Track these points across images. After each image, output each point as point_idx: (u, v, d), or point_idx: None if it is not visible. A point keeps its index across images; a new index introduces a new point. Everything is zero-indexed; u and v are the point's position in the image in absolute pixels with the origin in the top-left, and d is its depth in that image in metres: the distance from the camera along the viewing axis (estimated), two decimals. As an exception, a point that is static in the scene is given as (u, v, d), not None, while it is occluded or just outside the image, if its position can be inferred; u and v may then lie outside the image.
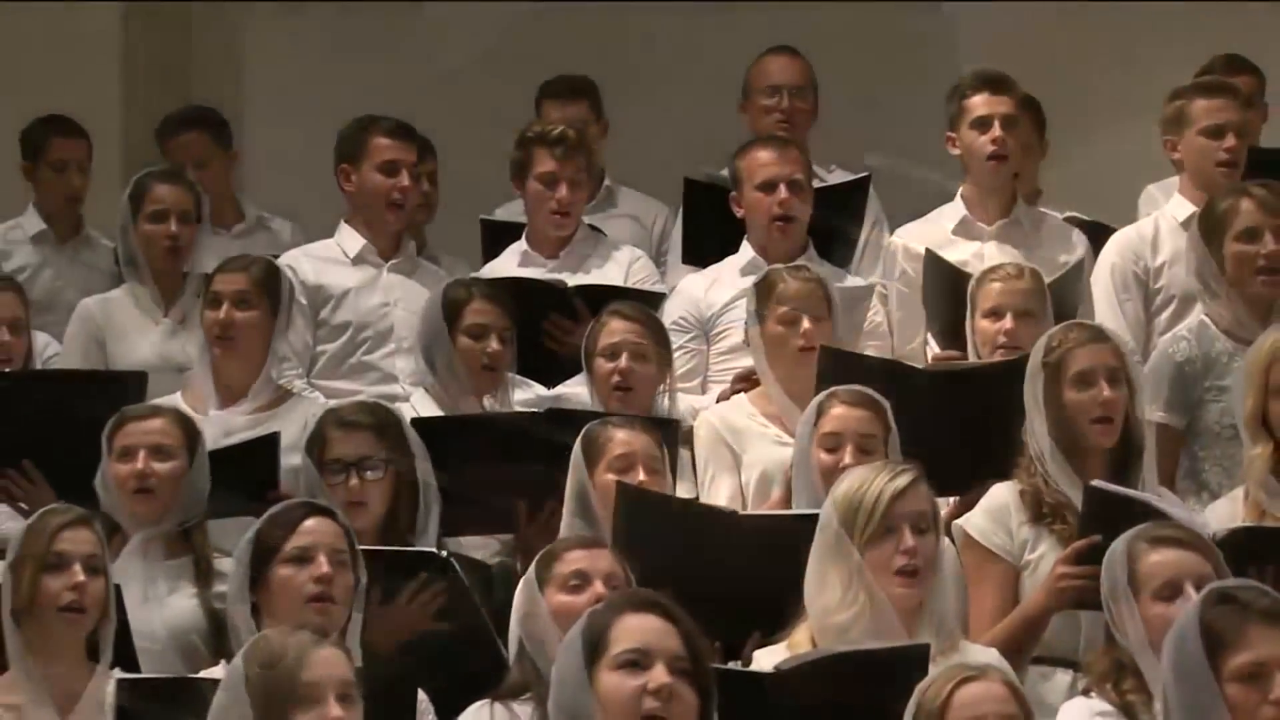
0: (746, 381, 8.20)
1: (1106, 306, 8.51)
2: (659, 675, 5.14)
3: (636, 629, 5.21)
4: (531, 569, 6.24)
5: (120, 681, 6.06)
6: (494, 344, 8.06)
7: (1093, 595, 6.49)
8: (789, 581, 6.18)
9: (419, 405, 8.00)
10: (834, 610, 6.13)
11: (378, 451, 7.13)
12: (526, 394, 8.25)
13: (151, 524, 7.08)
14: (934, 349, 8.48)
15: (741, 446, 7.76)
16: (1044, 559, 6.78)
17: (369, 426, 7.20)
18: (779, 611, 6.24)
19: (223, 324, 8.09)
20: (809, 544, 6.35)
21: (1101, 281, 8.59)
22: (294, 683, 5.29)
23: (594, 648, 5.19)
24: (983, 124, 8.76)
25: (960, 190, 8.93)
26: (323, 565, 6.28)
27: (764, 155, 8.70)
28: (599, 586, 6.12)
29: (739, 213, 8.75)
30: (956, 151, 8.88)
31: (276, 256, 8.80)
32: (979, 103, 8.79)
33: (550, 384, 8.34)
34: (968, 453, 7.13)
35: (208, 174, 9.73)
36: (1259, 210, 7.87)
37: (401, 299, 8.84)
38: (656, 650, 5.18)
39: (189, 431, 7.31)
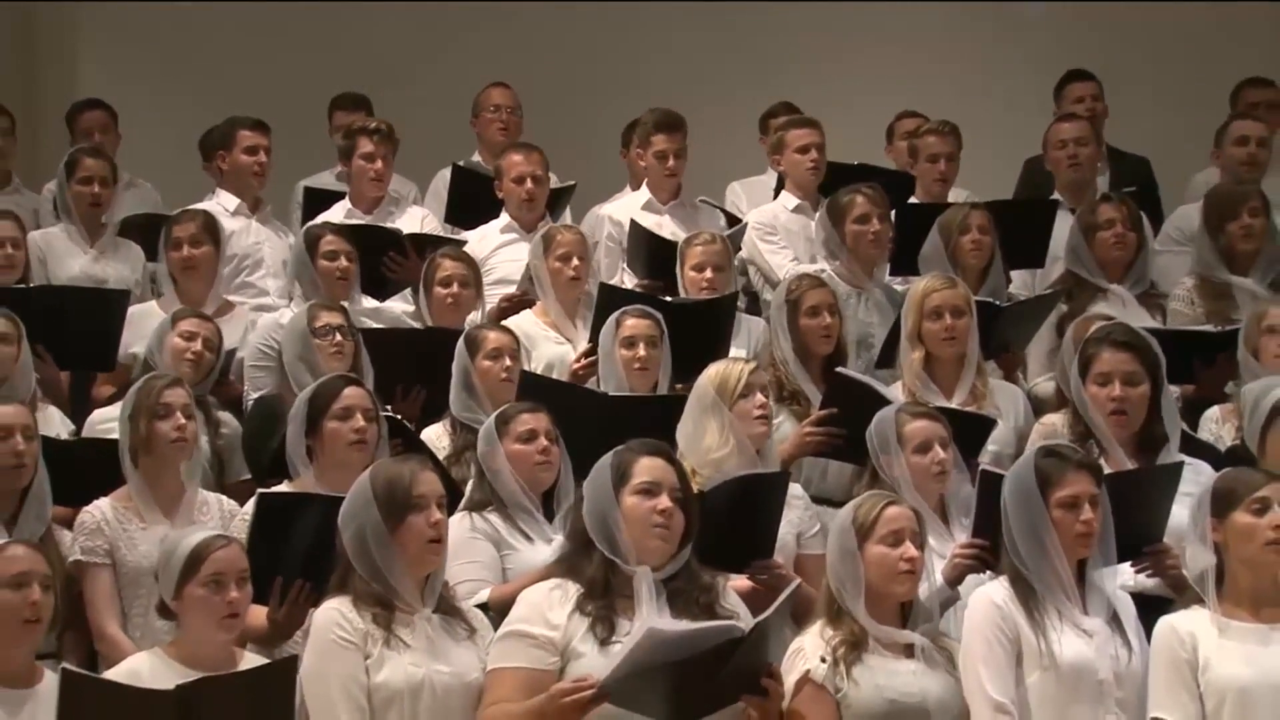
0: (509, 301, 8.39)
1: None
2: (664, 501, 5.38)
3: (650, 466, 5.43)
4: (491, 423, 6.38)
5: (261, 494, 6.09)
6: (344, 262, 8.10)
7: (826, 448, 6.93)
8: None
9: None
10: (714, 450, 6.38)
11: (345, 323, 7.34)
12: (367, 304, 8.28)
13: (184, 389, 7.07)
14: (634, 279, 8.70)
15: (531, 345, 7.92)
16: (784, 425, 7.04)
17: (339, 310, 7.43)
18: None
19: (184, 258, 8.14)
20: (649, 416, 6.64)
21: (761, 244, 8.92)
22: (409, 493, 5.45)
23: (620, 477, 5.41)
24: (662, 157, 9.13)
25: (645, 181, 9.26)
26: (359, 420, 6.40)
27: (516, 158, 8.98)
28: (543, 440, 6.32)
29: (500, 195, 8.96)
30: (644, 164, 9.25)
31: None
32: (659, 141, 9.12)
33: (381, 299, 8.46)
34: (691, 354, 7.29)
35: (108, 139, 9.77)
36: (868, 203, 8.22)
37: (265, 240, 8.99)
38: (664, 483, 5.41)
39: (221, 338, 7.50)
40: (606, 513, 5.40)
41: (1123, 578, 6.03)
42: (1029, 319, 7.96)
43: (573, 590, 5.37)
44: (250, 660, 5.50)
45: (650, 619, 5.19)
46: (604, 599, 5.35)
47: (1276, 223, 8.46)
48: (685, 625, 5.19)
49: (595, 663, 5.25)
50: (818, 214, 8.55)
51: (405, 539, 5.46)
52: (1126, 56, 10.96)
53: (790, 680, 5.39)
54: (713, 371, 6.58)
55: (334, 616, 5.42)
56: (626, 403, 6.94)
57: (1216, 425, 7.18)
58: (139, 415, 6.48)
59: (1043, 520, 5.54)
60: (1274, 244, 8.35)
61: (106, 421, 7.30)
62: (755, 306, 8.62)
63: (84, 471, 6.63)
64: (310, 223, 8.59)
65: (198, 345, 7.33)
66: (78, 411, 7.72)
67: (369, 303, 8.36)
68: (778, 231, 8.94)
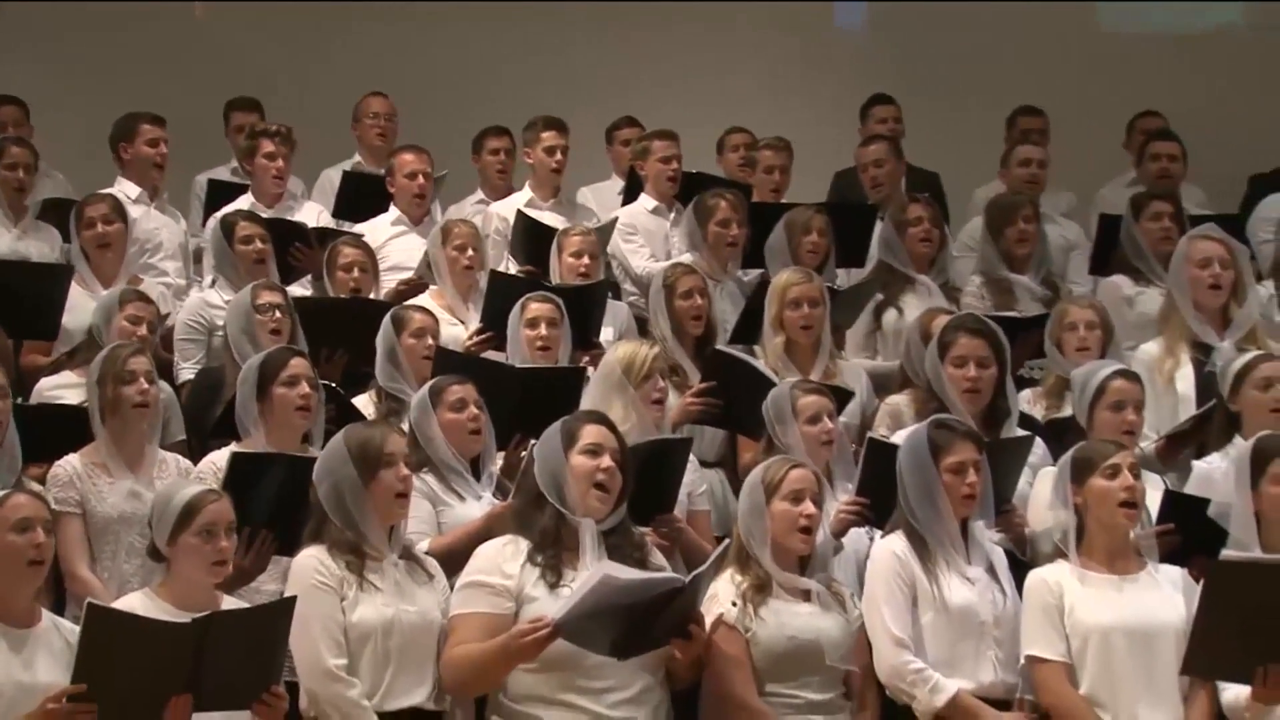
0: (407, 284, 8.29)
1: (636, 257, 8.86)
2: (606, 461, 5.46)
3: (595, 431, 5.51)
4: (425, 393, 6.30)
5: (234, 454, 6.02)
6: (258, 244, 7.97)
7: (708, 417, 6.96)
8: (546, 405, 6.17)
9: (218, 294, 7.88)
10: (618, 424, 6.13)
11: (284, 302, 7.23)
12: (275, 287, 8.10)
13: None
14: (515, 265, 8.54)
15: (427, 326, 7.65)
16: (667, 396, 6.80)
17: (278, 289, 7.33)
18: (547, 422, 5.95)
19: (99, 235, 7.97)
20: (553, 386, 6.68)
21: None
22: (380, 451, 5.51)
23: (568, 440, 5.48)
24: (550, 151, 9.15)
25: (528, 182, 9.30)
26: (304, 387, 6.34)
27: (409, 157, 8.96)
28: (473, 409, 6.29)
29: (392, 190, 8.93)
30: (530, 161, 9.26)
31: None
32: (549, 137, 9.15)
33: (286, 283, 8.10)
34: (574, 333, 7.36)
35: (22, 132, 9.45)
36: (730, 209, 8.34)
37: (164, 226, 8.85)
38: (606, 445, 5.49)
39: (159, 318, 7.41)
40: (556, 470, 5.47)
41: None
42: (853, 304, 8.10)
43: (523, 545, 5.45)
44: (229, 603, 5.43)
45: (603, 564, 5.24)
46: (552, 549, 5.41)
47: (1047, 230, 8.75)
48: (635, 573, 5.24)
49: (546, 605, 5.32)
50: (686, 210, 8.61)
51: (376, 491, 5.50)
52: (920, 83, 11.19)
53: (706, 622, 5.46)
54: (621, 353, 6.56)
55: (312, 563, 5.44)
56: (532, 374, 6.96)
57: (1029, 406, 7.33)
58: (106, 380, 6.36)
59: (935, 483, 5.68)
60: (1044, 247, 8.62)
61: (52, 389, 7.20)
62: (617, 293, 8.62)
63: (37, 434, 6.43)
64: (224, 213, 8.43)
65: (143, 329, 7.20)
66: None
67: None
68: (638, 231, 8.96)
